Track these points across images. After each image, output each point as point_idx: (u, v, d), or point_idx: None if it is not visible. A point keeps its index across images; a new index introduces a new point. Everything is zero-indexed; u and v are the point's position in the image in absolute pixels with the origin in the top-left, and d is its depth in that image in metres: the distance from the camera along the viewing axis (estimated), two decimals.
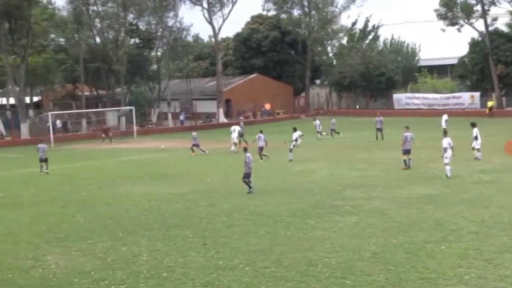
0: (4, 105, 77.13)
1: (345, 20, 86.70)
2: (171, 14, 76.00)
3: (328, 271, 12.72)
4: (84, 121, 66.92)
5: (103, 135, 54.01)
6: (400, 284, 11.80)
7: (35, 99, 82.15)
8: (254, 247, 14.85)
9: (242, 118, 72.60)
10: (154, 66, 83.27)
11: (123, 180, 27.63)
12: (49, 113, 57.80)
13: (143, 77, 78.20)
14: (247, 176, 22.86)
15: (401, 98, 73.63)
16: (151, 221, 18.34)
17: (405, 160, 27.09)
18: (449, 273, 12.26)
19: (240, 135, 41.49)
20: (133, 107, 63.36)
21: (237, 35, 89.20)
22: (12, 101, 70.48)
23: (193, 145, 37.97)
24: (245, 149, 24.17)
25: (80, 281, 12.76)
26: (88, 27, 73.28)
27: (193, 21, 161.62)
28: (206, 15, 71.48)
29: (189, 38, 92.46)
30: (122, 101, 73.71)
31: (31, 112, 69.31)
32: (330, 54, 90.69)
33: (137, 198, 22.61)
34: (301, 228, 16.63)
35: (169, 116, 72.98)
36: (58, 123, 64.40)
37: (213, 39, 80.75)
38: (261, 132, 34.60)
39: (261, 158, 32.90)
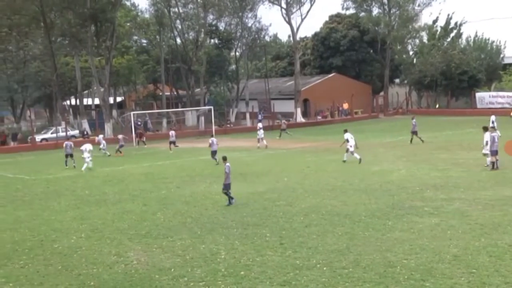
0: (90, 105, 79.78)
1: (426, 17, 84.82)
2: (250, 14, 76.55)
3: (407, 273, 12.49)
4: (164, 121, 68.31)
5: (137, 139, 52.98)
6: None
7: (118, 99, 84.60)
8: (331, 247, 14.75)
9: (319, 117, 72.32)
10: (233, 66, 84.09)
11: (201, 179, 28.00)
12: (131, 113, 59.25)
13: (222, 77, 79.06)
14: (226, 188, 21.10)
15: (484, 97, 71.27)
16: (229, 219, 18.51)
17: (493, 162, 26.12)
18: None
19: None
20: (211, 107, 64.11)
21: (316, 34, 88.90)
22: (97, 101, 72.89)
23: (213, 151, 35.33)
24: (224, 159, 22.07)
25: (160, 278, 13.02)
26: (169, 29, 74.89)
27: (272, 21, 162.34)
28: (285, 15, 71.53)
29: (268, 38, 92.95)
30: (201, 101, 74.83)
31: (114, 112, 71.33)
32: (410, 53, 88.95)
33: (215, 196, 22.86)
34: (379, 229, 16.41)
35: (247, 115, 73.43)
36: (139, 122, 65.94)
37: (291, 39, 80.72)
38: (212, 136, 36.75)
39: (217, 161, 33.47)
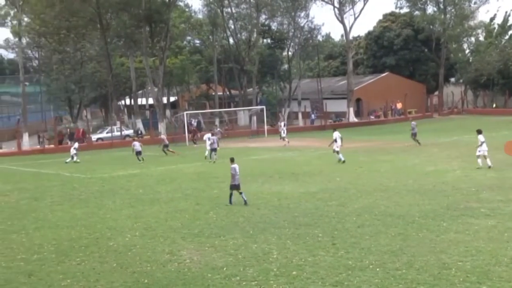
0: (144, 105, 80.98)
1: (483, 15, 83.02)
2: (303, 14, 76.39)
3: (463, 275, 12.25)
4: (217, 121, 68.75)
5: (191, 138, 53.51)
6: None
7: (172, 99, 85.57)
8: (384, 248, 14.58)
9: (372, 117, 71.63)
10: (285, 66, 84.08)
11: (253, 178, 28.04)
12: (185, 113, 59.85)
13: (274, 77, 79.14)
14: (232, 188, 21.37)
15: None
16: (281, 219, 18.50)
17: None
18: None
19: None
20: (264, 107, 64.25)
21: (369, 33, 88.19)
22: (150, 101, 73.90)
23: (212, 149, 37.50)
24: (232, 160, 22.05)
25: (212, 276, 13.10)
26: (222, 29, 75.35)
27: (324, 20, 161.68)
28: (337, 14, 71.12)
29: (320, 38, 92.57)
30: (254, 101, 75.02)
31: (168, 112, 72.19)
32: (466, 51, 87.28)
33: (267, 196, 22.89)
34: (433, 230, 16.14)
35: (299, 115, 73.33)
36: (193, 122, 66.53)
37: (344, 38, 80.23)
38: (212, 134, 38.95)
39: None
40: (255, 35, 74.29)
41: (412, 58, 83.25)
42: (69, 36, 66.90)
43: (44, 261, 15.10)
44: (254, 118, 67.51)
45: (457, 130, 46.29)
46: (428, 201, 20.26)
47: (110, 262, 14.66)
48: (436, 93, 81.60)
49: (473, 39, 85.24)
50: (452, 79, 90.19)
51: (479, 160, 27.58)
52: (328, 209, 19.77)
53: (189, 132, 54.66)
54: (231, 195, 21.49)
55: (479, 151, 27.79)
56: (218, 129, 52.75)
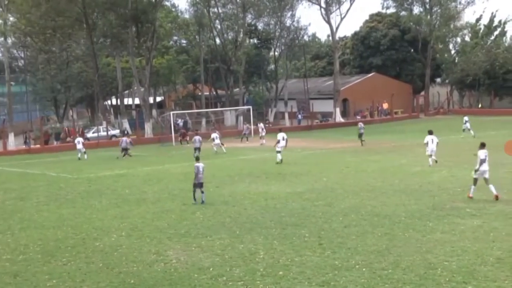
0: (130, 105, 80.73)
1: (469, 15, 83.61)
2: (289, 14, 76.54)
3: (449, 275, 12.33)
4: (203, 121, 68.68)
5: (180, 138, 53.71)
6: None
7: (158, 99, 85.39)
8: (371, 248, 14.64)
9: (358, 117, 71.85)
10: (272, 66, 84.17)
11: (240, 178, 28.07)
12: (171, 113, 59.76)
13: (261, 77, 79.19)
14: (194, 186, 22.01)
15: None
16: (267, 219, 18.52)
17: None
18: None
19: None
20: (250, 107, 64.27)
21: (355, 33, 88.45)
22: (137, 101, 73.67)
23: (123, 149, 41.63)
24: (197, 159, 23.26)
25: (199, 277, 13.10)
26: (209, 29, 75.34)
27: (311, 21, 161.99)
28: (324, 14, 71.22)
29: (306, 38, 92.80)
30: (240, 101, 75.04)
31: (154, 112, 72.04)
32: (452, 52, 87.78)
33: (254, 196, 22.91)
34: (420, 230, 16.22)
35: (286, 115, 73.41)
36: (180, 122, 66.47)
37: (330, 38, 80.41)
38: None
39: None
40: (241, 35, 74.32)
41: (399, 58, 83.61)
42: (55, 36, 66.58)
43: (30, 261, 15.03)
44: (241, 118, 67.52)
45: (443, 130, 46.47)
46: (414, 201, 20.37)
47: (97, 263, 14.62)
48: (422, 93, 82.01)
49: (459, 39, 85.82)
50: (438, 80, 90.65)
51: (430, 160, 29.41)
52: (315, 209, 19.81)
53: (178, 132, 54.66)
54: (194, 192, 22.06)
55: (427, 150, 29.65)
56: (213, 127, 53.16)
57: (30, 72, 76.06)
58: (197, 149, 38.84)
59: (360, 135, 43.22)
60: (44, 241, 17.10)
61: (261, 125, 52.50)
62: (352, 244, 15.05)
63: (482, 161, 20.35)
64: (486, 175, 20.38)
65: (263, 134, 49.47)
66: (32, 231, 18.47)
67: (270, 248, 15.08)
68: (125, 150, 41.34)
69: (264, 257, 14.32)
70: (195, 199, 21.97)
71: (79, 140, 44.07)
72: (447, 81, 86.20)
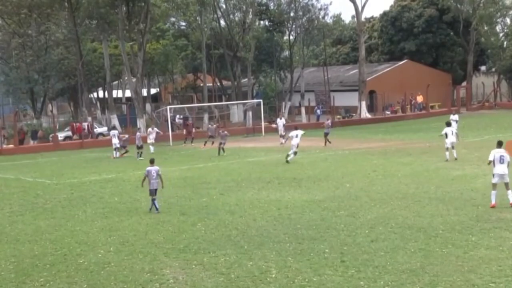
0: (120, 99, 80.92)
1: None
2: None
3: None
4: (206, 116, 68.48)
5: (186, 136, 54.24)
6: None
7: (153, 91, 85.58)
8: (402, 266, 14.63)
9: (388, 113, 71.78)
10: (286, 53, 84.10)
11: (249, 184, 28.08)
12: (168, 107, 59.85)
13: (273, 65, 79.16)
14: (151, 193, 22.66)
15: None
16: (281, 232, 18.53)
17: None
18: None
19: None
20: (261, 100, 64.28)
21: (384, 14, 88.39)
22: (128, 93, 73.80)
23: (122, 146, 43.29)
24: (151, 161, 23.53)
25: None
26: (212, 9, 75.08)
27: None
28: None
29: (328, 19, 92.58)
30: (249, 93, 75.02)
31: (148, 106, 72.16)
32: (500, 35, 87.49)
33: (265, 205, 22.93)
34: (460, 246, 16.20)
35: (303, 110, 73.36)
36: (178, 118, 66.44)
37: (355, 20, 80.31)
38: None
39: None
40: (250, 16, 74.28)
41: (436, 42, 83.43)
42: (31, 17, 66.78)
43: (1, 282, 15.08)
44: (250, 113, 67.51)
45: (489, 127, 46.44)
46: (454, 211, 20.33)
47: (80, 283, 14.67)
48: (464, 84, 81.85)
49: (508, 20, 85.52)
50: (483, 68, 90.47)
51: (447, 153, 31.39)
52: (336, 220, 19.81)
53: (186, 131, 54.94)
54: (152, 200, 22.71)
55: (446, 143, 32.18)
56: (215, 125, 52.52)
57: (2, 59, 76.32)
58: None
59: (326, 134, 45.37)
60: (18, 257, 17.17)
61: (282, 120, 51.60)
62: (380, 262, 15.05)
63: (496, 162, 20.51)
64: (506, 179, 20.38)
65: (283, 133, 48.11)
66: (4, 246, 18.55)
67: (284, 266, 15.09)
68: (140, 148, 42.25)
69: (277, 277, 14.34)
70: (156, 208, 22.50)
71: (114, 133, 45.21)
72: (493, 69, 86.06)
